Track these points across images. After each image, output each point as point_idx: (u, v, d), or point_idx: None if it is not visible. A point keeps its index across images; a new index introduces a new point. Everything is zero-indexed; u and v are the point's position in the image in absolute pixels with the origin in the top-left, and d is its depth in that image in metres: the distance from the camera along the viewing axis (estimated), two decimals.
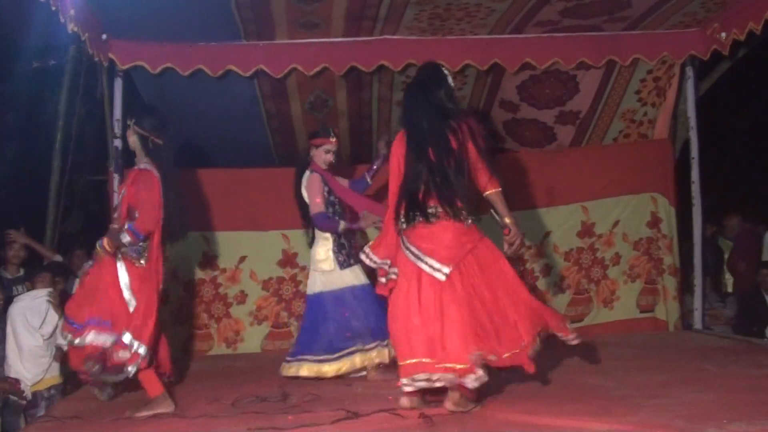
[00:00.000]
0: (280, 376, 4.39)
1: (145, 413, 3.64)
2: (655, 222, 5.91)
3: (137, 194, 3.81)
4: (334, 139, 4.61)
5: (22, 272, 5.47)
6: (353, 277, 4.47)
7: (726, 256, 7.18)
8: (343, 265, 4.44)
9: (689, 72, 5.81)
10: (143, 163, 3.89)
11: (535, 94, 6.00)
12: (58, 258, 6.20)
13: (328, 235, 4.47)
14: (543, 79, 5.82)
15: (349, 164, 6.86)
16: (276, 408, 3.73)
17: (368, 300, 4.40)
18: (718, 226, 7.40)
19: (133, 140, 3.94)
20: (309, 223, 4.58)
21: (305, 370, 4.35)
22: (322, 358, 4.35)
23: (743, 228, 7.11)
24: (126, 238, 3.73)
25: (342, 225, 4.42)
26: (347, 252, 4.47)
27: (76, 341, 3.67)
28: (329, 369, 4.34)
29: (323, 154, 4.58)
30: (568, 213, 5.89)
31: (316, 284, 4.50)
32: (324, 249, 4.46)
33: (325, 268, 4.44)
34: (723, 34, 5.09)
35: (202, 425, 3.47)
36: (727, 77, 7.06)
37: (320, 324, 4.44)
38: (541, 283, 5.81)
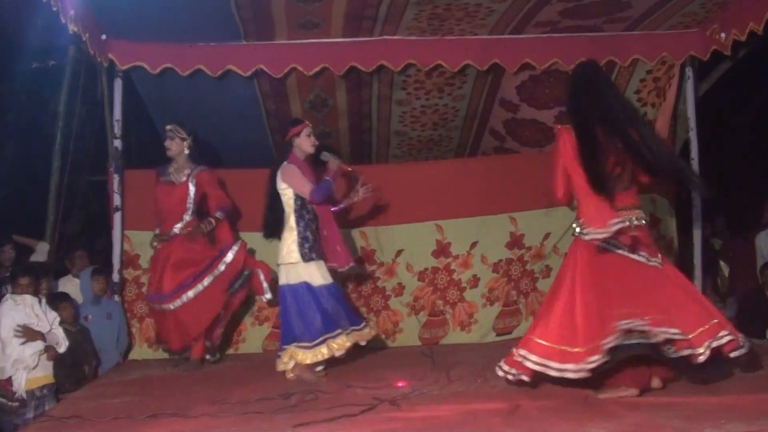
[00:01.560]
0: (281, 373, 4.48)
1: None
2: (653, 223, 5.89)
3: (215, 188, 5.12)
4: (307, 122, 4.71)
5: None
6: (315, 271, 4.52)
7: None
8: (305, 257, 4.49)
9: (689, 72, 5.80)
10: (196, 165, 5.09)
11: (535, 94, 6.00)
12: (44, 246, 6.19)
13: (292, 225, 4.52)
14: (543, 80, 5.82)
15: (350, 162, 6.87)
16: (276, 408, 3.74)
17: (329, 296, 4.49)
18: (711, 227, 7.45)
19: (182, 149, 5.06)
20: (270, 220, 4.67)
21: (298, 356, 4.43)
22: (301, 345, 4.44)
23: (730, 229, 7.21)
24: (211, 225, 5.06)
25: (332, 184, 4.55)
26: (310, 246, 4.52)
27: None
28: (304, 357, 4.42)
29: (306, 138, 4.62)
30: (569, 214, 5.88)
31: (281, 277, 4.59)
32: (288, 242, 4.53)
33: (288, 261, 4.51)
34: (723, 35, 5.09)
35: (203, 425, 3.47)
36: (727, 77, 7.06)
37: (286, 315, 4.55)
38: (542, 284, 5.81)
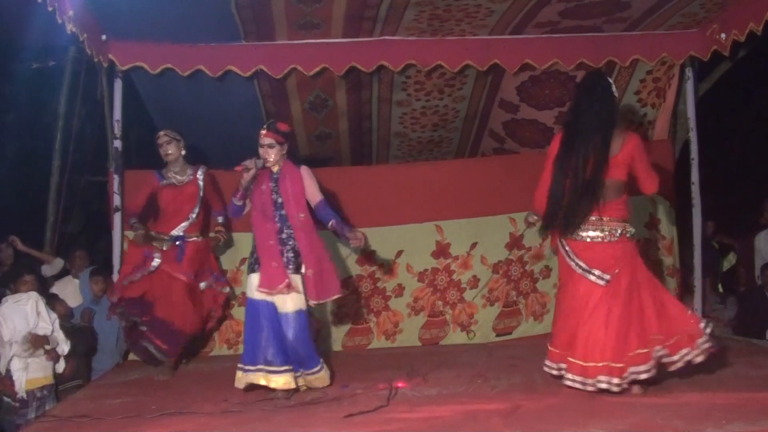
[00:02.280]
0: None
1: None
2: (653, 223, 5.90)
3: (213, 190, 5.22)
4: (263, 131, 4.32)
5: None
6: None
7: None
8: (249, 269, 4.28)
9: (689, 73, 5.80)
10: (194, 164, 5.14)
11: (535, 95, 6.01)
12: (59, 262, 6.18)
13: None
14: (543, 80, 5.83)
15: (350, 163, 6.88)
16: (276, 408, 3.74)
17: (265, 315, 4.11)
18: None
19: (181, 150, 5.06)
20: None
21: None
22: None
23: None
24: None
25: (238, 197, 4.35)
26: (250, 259, 4.33)
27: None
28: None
29: (259, 149, 4.34)
30: None
31: None
32: None
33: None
34: (723, 35, 5.09)
35: (203, 425, 3.48)
36: (727, 77, 7.06)
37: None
38: (542, 285, 5.82)
